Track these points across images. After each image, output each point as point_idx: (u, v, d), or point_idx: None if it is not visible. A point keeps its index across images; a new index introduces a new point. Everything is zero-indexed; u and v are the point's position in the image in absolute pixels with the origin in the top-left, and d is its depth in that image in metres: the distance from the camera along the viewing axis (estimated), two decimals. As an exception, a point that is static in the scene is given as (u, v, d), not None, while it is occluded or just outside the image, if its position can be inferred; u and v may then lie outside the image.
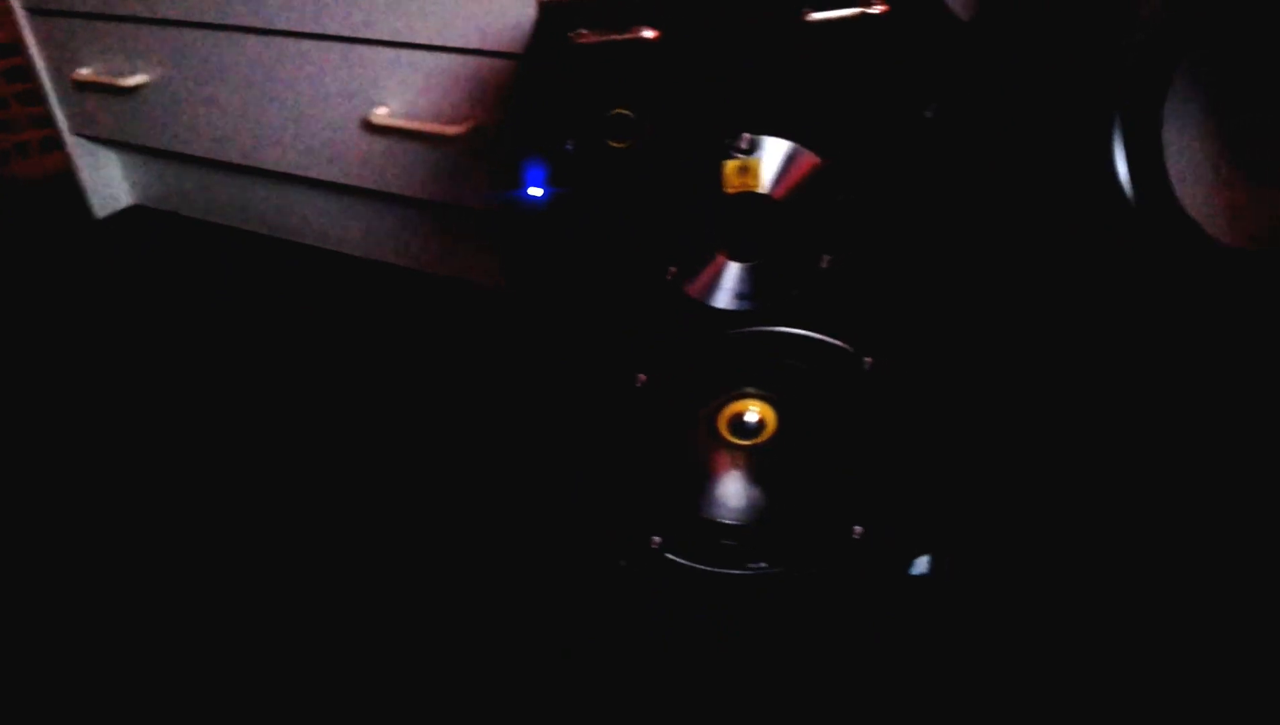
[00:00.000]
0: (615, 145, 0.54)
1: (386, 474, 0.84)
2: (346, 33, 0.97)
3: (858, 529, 0.67)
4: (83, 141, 1.29)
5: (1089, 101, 0.79)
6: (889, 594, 0.69)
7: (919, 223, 0.56)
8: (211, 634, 0.70)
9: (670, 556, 0.69)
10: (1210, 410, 0.77)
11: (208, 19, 1.04)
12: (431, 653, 0.68)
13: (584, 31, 0.57)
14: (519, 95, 0.55)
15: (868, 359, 0.60)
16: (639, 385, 0.61)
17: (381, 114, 0.99)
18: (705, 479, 0.69)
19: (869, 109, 0.54)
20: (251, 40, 1.04)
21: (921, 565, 0.69)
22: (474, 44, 0.90)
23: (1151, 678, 0.61)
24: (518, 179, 0.54)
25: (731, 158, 0.54)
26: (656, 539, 0.68)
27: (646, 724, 0.63)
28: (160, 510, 0.82)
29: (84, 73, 1.19)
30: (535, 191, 0.54)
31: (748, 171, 0.54)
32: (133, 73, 1.15)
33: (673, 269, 0.57)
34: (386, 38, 0.95)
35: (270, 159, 1.12)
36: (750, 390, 0.66)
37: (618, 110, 0.53)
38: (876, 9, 0.55)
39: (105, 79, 1.16)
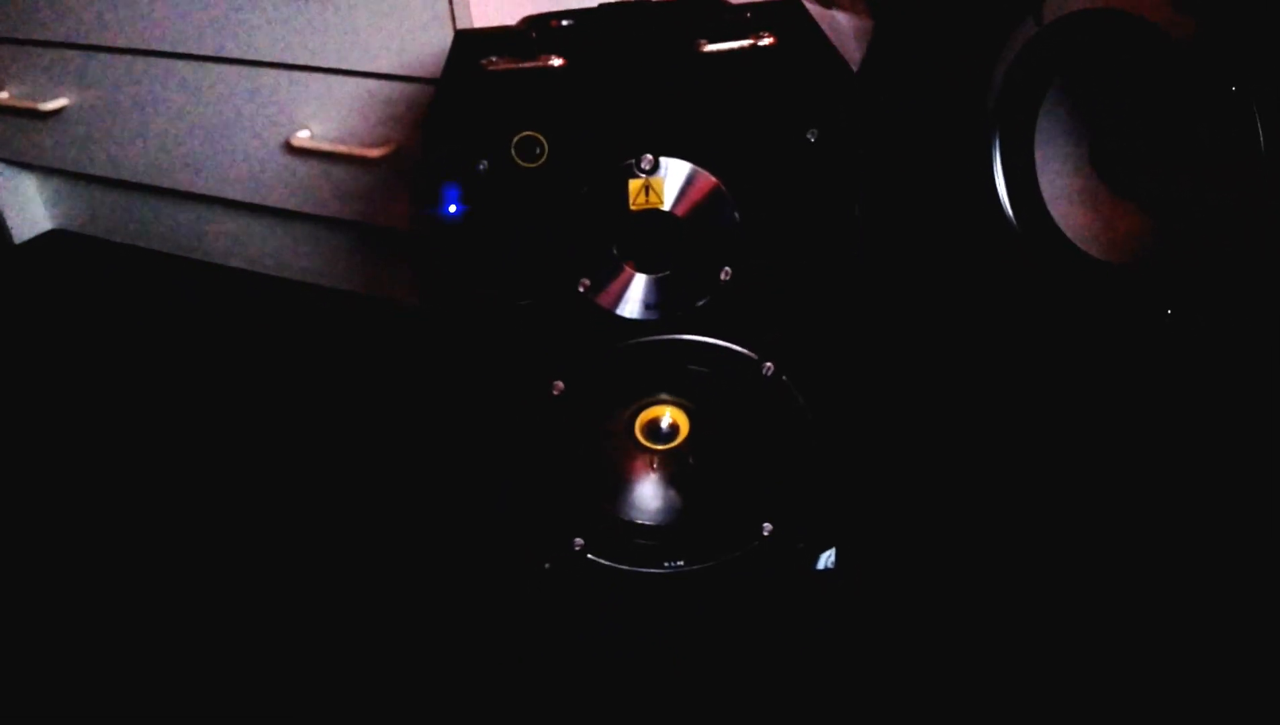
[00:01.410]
0: (525, 165, 0.57)
1: (312, 491, 0.86)
2: (269, 58, 0.99)
3: (767, 526, 0.71)
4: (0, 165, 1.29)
5: (969, 126, 0.85)
6: (797, 587, 0.73)
7: (808, 238, 0.60)
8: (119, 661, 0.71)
9: (592, 557, 0.72)
10: (1088, 412, 0.83)
11: (132, 44, 1.05)
12: (368, 664, 0.70)
13: (494, 59, 0.60)
14: (434, 118, 0.58)
15: (768, 364, 0.65)
16: (556, 393, 0.64)
17: (304, 137, 1.01)
18: (624, 482, 0.72)
19: (758, 133, 0.58)
20: (176, 65, 1.05)
21: (827, 559, 0.73)
22: (394, 69, 0.93)
23: (1046, 663, 0.66)
24: (435, 197, 0.57)
25: (635, 177, 0.58)
26: (579, 541, 0.71)
27: (577, 719, 0.66)
28: (78, 539, 0.83)
29: (1, 96, 1.18)
30: (451, 209, 0.57)
31: (651, 190, 0.58)
32: (53, 96, 1.15)
33: (585, 281, 0.61)
34: (309, 63, 0.97)
35: (193, 182, 1.13)
36: (664, 396, 0.69)
37: (526, 132, 0.56)
38: (765, 41, 0.60)
39: (24, 102, 1.16)
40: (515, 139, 0.56)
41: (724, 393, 0.67)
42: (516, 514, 0.71)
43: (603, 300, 0.61)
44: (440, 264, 0.59)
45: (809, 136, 0.57)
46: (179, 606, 0.75)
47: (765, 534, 0.71)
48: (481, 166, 0.57)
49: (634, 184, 0.58)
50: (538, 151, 0.57)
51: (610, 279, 0.61)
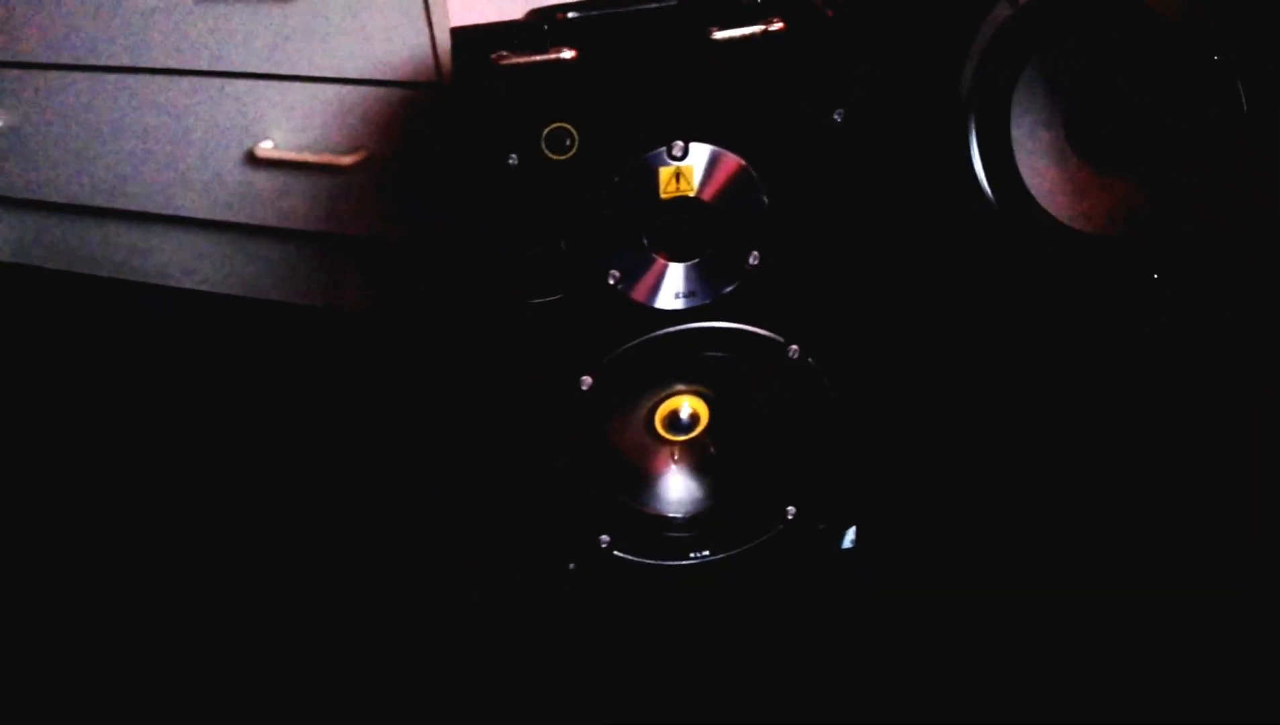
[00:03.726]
0: (555, 158, 0.56)
1: (320, 501, 0.83)
2: (227, 68, 0.96)
3: (791, 509, 0.72)
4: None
5: (946, 103, 0.87)
6: (824, 568, 0.74)
7: (836, 219, 0.61)
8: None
9: (619, 553, 0.71)
10: (1075, 384, 0.86)
11: (76, 60, 1.00)
12: (392, 675, 0.68)
13: (505, 53, 0.59)
14: (458, 115, 0.57)
15: (793, 347, 0.65)
16: (586, 389, 0.63)
17: (267, 148, 0.98)
18: (646, 475, 0.72)
19: (784, 115, 0.59)
20: (122, 79, 1.00)
21: (849, 538, 0.74)
22: (364, 73, 0.91)
23: (1070, 647, 0.67)
24: (466, 196, 0.55)
25: (666, 165, 0.58)
26: (605, 538, 0.70)
27: (611, 715, 0.65)
28: (31, 573, 0.78)
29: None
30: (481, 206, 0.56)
31: (681, 177, 0.58)
32: (-16, 117, 1.09)
33: (615, 273, 0.60)
34: (271, 71, 0.94)
35: (144, 201, 1.08)
36: (680, 386, 0.69)
37: (558, 124, 0.55)
38: (775, 26, 0.60)
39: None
40: (546, 131, 0.56)
41: (744, 378, 0.68)
42: (541, 514, 0.69)
43: (634, 292, 0.61)
44: (468, 263, 0.57)
45: (835, 117, 0.58)
46: (189, 613, 0.72)
47: (789, 518, 0.72)
48: (512, 161, 0.56)
49: (665, 172, 0.58)
50: (568, 143, 0.56)
51: (641, 270, 0.61)
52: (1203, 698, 0.62)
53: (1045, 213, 0.86)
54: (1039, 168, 0.88)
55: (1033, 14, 0.80)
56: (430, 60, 0.87)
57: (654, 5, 0.67)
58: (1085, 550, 0.73)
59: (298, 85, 0.94)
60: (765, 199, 0.60)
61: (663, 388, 0.69)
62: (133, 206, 1.09)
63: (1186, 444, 0.79)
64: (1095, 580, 0.71)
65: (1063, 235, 0.85)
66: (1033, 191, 0.88)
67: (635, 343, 0.63)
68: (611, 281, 0.60)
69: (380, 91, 0.92)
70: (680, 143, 0.57)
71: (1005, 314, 0.90)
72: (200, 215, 1.06)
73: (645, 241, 0.60)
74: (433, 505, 0.67)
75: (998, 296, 0.90)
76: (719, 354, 0.66)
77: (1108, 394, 0.83)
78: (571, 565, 0.71)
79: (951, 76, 0.89)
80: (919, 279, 0.89)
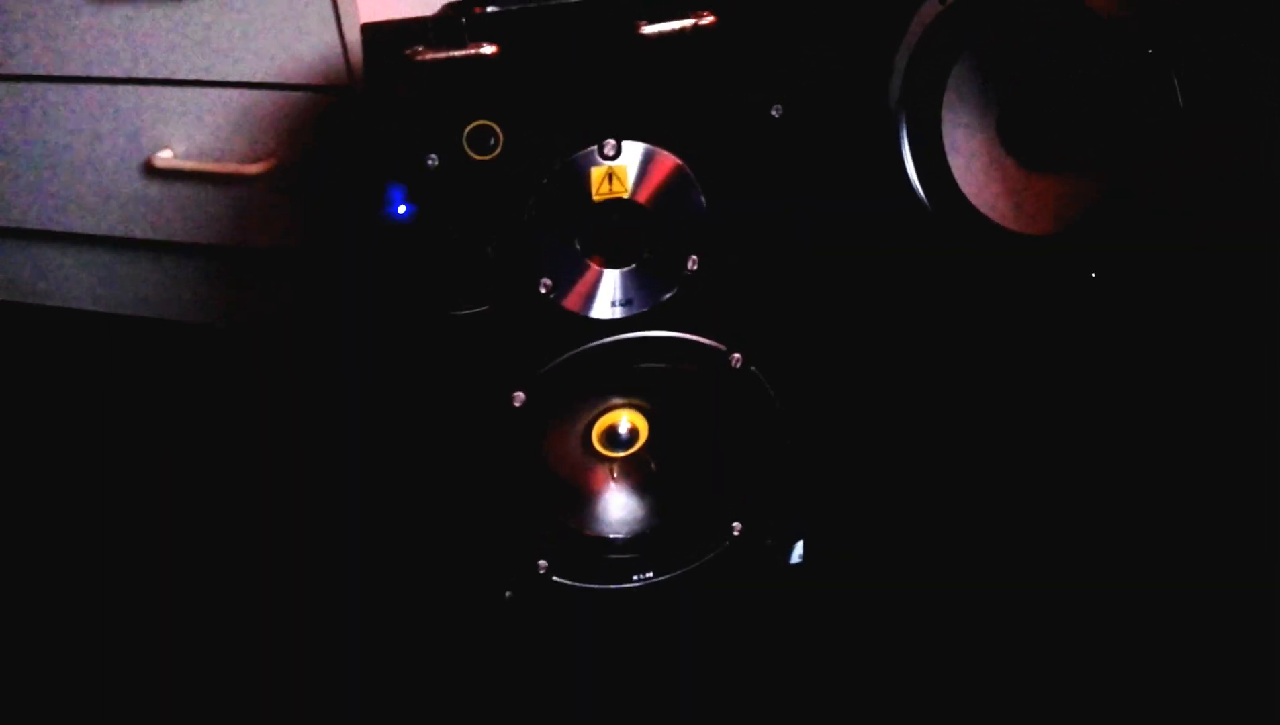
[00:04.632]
0: (478, 158, 0.52)
1: (245, 538, 0.77)
2: (118, 74, 0.89)
3: (737, 526, 0.69)
4: None
5: (876, 103, 0.86)
6: (773, 584, 0.71)
7: (777, 220, 0.58)
8: None
9: (557, 579, 0.67)
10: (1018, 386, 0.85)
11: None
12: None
13: (421, 49, 0.55)
14: (371, 115, 0.52)
15: (736, 356, 0.62)
16: (518, 405, 0.59)
17: (166, 157, 0.91)
18: (584, 495, 0.68)
19: (717, 110, 0.56)
20: (4, 87, 0.93)
21: (797, 553, 0.71)
22: (271, 77, 0.85)
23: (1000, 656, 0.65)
24: (380, 200, 0.51)
25: (597, 165, 0.54)
26: (543, 563, 0.66)
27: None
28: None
29: None
30: (400, 210, 0.52)
31: (614, 178, 0.54)
32: None
33: (547, 281, 0.56)
34: (169, 76, 0.88)
35: (32, 217, 1.00)
36: (617, 400, 0.66)
37: (480, 122, 0.52)
38: (706, 20, 0.57)
39: None
40: (468, 130, 0.52)
41: (684, 390, 0.64)
42: (473, 540, 0.65)
43: (567, 301, 0.57)
44: (387, 273, 0.53)
45: (774, 112, 0.55)
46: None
47: (735, 534, 0.69)
48: (431, 162, 0.52)
49: (596, 172, 0.54)
50: (492, 143, 0.52)
51: (574, 277, 0.57)
52: (1201, 701, 0.60)
53: (979, 214, 0.85)
54: (972, 167, 0.87)
55: (962, 10, 0.79)
56: (341, 62, 0.82)
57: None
58: (1040, 559, 0.71)
59: (198, 91, 0.89)
60: (703, 200, 0.57)
61: (599, 402, 0.65)
62: (20, 223, 1.01)
63: (1135, 445, 0.78)
64: (1056, 590, 0.69)
65: (998, 236, 0.84)
66: (966, 192, 0.87)
67: (570, 355, 0.59)
68: (543, 290, 0.56)
69: (288, 96, 0.86)
70: (612, 141, 0.54)
71: (945, 317, 0.89)
72: (94, 231, 0.99)
73: (578, 246, 0.56)
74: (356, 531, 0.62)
75: (936, 299, 0.89)
76: (658, 365, 0.62)
77: (1050, 396, 0.82)
78: (508, 593, 0.67)
79: (881, 75, 0.87)
80: (858, 283, 0.87)
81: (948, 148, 0.86)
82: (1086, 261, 0.78)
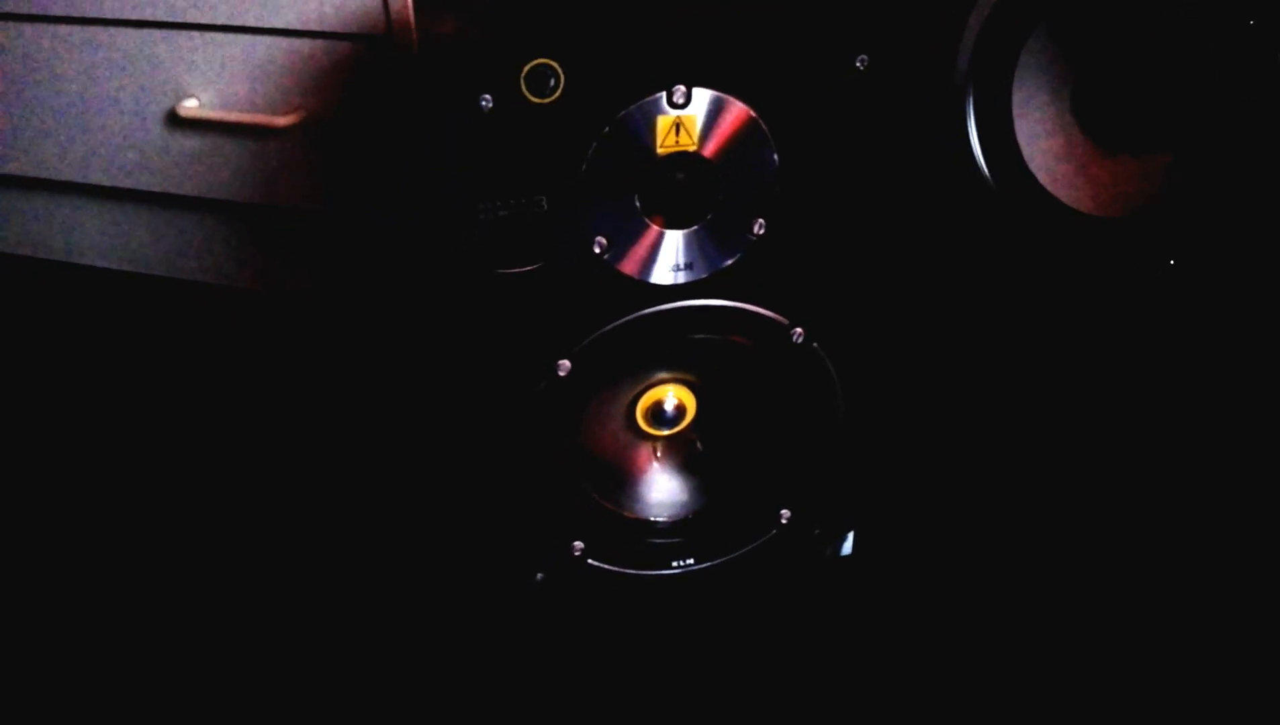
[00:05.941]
0: (536, 101, 0.48)
1: (249, 510, 0.73)
2: (143, 16, 0.85)
3: (785, 513, 0.65)
4: None
5: (944, 80, 0.81)
6: (821, 577, 0.66)
7: (855, 184, 0.54)
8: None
9: (593, 562, 0.63)
10: (1088, 372, 0.80)
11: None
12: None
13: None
14: (423, 50, 0.48)
15: (798, 330, 0.58)
16: (563, 375, 0.55)
17: (191, 107, 0.87)
18: (625, 474, 0.64)
19: (795, 58, 0.51)
20: (21, 28, 0.89)
21: (849, 543, 0.67)
22: (301, 24, 0.81)
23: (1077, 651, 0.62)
24: (436, 147, 0.47)
25: (664, 113, 0.50)
26: (579, 545, 0.62)
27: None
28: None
29: None
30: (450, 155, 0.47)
31: (682, 129, 0.50)
32: None
33: (601, 240, 0.52)
34: (196, 21, 0.84)
35: (51, 168, 0.96)
36: (663, 374, 0.61)
37: (541, 60, 0.47)
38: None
39: None
40: (527, 69, 0.47)
41: (737, 365, 0.60)
42: (504, 518, 0.61)
43: (623, 263, 0.53)
44: (428, 228, 0.49)
45: (858, 64, 0.51)
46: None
47: (783, 522, 0.65)
48: (485, 102, 0.47)
49: (663, 121, 0.50)
50: (552, 84, 0.48)
51: (632, 237, 0.52)
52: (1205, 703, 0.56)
53: (1048, 195, 0.81)
54: (1042, 147, 0.82)
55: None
56: (379, 9, 0.78)
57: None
58: (1099, 555, 0.67)
59: (227, 36, 0.84)
60: (775, 157, 0.52)
61: (646, 375, 0.61)
62: (37, 173, 0.97)
63: (1201, 440, 0.74)
64: (1110, 587, 0.65)
65: (1067, 218, 0.79)
66: (1035, 172, 0.82)
67: (621, 322, 0.55)
68: (597, 250, 0.52)
69: (321, 44, 0.82)
70: (682, 87, 0.49)
71: (1009, 303, 0.84)
72: (115, 184, 0.95)
73: (638, 204, 0.52)
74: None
75: (1001, 284, 0.84)
76: (712, 337, 0.58)
77: (1117, 387, 0.78)
78: (539, 576, 0.63)
79: (953, 40, 0.82)
80: (922, 262, 0.82)
81: (1018, 126, 0.82)
82: (1163, 248, 0.73)
